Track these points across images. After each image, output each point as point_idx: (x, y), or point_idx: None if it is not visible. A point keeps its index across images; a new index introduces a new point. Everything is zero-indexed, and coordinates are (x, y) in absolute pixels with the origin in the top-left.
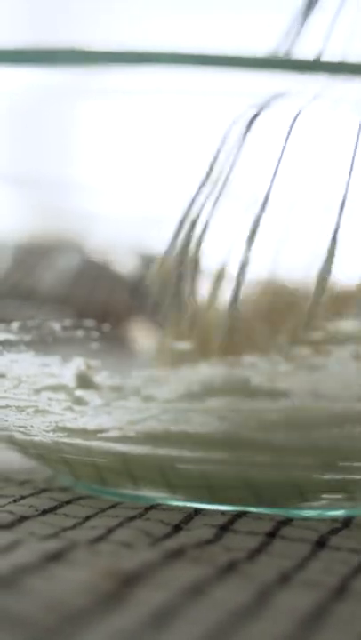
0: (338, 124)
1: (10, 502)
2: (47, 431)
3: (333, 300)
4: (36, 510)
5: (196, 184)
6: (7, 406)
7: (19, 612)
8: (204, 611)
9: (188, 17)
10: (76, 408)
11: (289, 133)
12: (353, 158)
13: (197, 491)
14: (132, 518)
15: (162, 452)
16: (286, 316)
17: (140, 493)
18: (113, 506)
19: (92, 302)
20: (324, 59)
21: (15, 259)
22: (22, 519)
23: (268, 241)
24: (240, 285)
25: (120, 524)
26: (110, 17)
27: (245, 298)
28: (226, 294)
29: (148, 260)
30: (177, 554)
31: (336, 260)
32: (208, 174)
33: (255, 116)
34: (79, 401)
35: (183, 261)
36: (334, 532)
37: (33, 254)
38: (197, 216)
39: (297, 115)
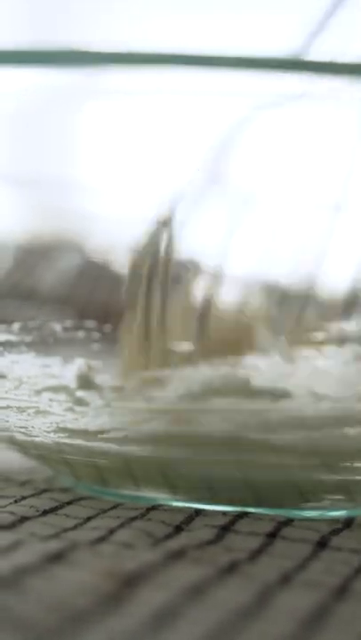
0: (340, 124)
1: (10, 503)
2: (48, 432)
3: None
4: (37, 511)
5: (196, 184)
6: (8, 407)
7: (19, 612)
8: (205, 611)
9: (188, 17)
10: (77, 409)
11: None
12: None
13: (198, 491)
14: (133, 519)
15: (163, 452)
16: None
17: (141, 494)
18: (114, 506)
19: (92, 303)
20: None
21: (16, 259)
22: (23, 520)
23: (262, 241)
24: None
25: (121, 525)
26: (110, 17)
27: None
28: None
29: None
30: (178, 554)
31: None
32: (206, 172)
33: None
34: (80, 402)
35: (156, 259)
36: (335, 532)
37: (33, 255)
38: (187, 214)
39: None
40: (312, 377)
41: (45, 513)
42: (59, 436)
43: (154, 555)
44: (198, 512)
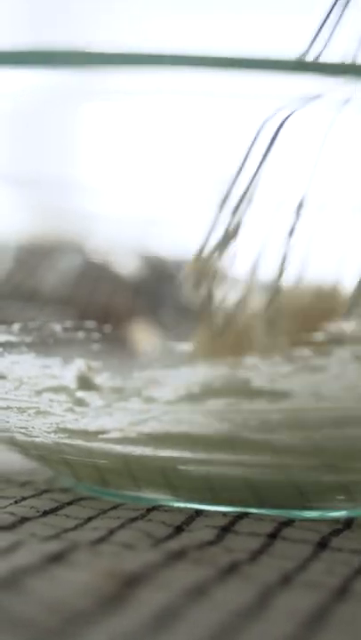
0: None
1: (11, 503)
2: (48, 432)
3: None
4: (37, 511)
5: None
6: (8, 407)
7: (20, 613)
8: (205, 612)
9: (188, 17)
10: (77, 409)
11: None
12: None
13: (199, 492)
14: (133, 519)
15: (163, 453)
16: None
17: (141, 495)
18: (114, 507)
19: (93, 303)
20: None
21: (16, 260)
22: (23, 520)
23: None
24: (277, 287)
25: (121, 526)
26: (110, 17)
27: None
28: (259, 296)
29: (149, 261)
30: (178, 555)
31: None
32: (237, 178)
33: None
34: (80, 402)
35: (214, 263)
36: (336, 533)
37: (34, 255)
38: (231, 217)
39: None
40: (312, 377)
41: (46, 513)
42: (59, 437)
43: (154, 555)
44: (199, 512)
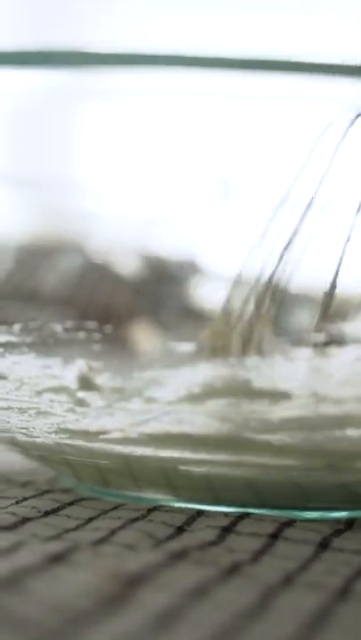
0: None
1: (12, 504)
2: (49, 433)
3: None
4: (39, 512)
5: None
6: (9, 408)
7: (21, 613)
8: (207, 612)
9: (188, 17)
10: (78, 410)
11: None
12: None
13: (200, 492)
14: (134, 520)
15: (164, 453)
16: None
17: (142, 495)
18: (115, 507)
19: (93, 304)
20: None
21: (17, 260)
22: (24, 521)
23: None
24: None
25: (123, 526)
26: (110, 17)
27: None
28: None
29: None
30: (180, 555)
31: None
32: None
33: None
34: (81, 402)
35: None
36: (337, 533)
37: (34, 256)
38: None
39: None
40: (313, 378)
41: (47, 514)
42: (60, 437)
43: (155, 556)
44: (200, 513)
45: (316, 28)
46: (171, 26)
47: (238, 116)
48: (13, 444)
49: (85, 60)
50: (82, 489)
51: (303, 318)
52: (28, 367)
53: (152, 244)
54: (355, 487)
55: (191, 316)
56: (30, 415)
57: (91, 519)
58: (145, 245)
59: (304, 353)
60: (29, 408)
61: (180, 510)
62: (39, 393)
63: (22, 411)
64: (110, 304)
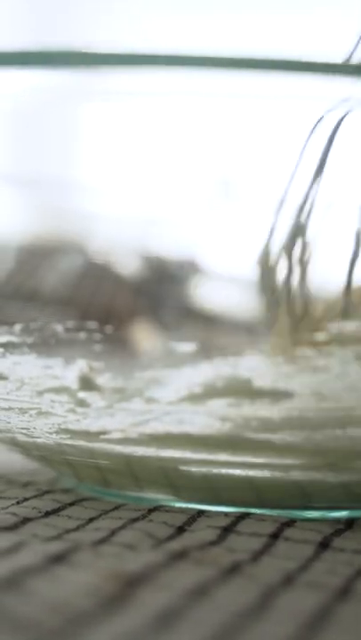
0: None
1: (13, 504)
2: (50, 433)
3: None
4: (39, 512)
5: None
6: (10, 408)
7: (22, 613)
8: (207, 612)
9: (188, 17)
10: (79, 410)
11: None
12: None
13: (200, 492)
14: (135, 520)
15: (165, 453)
16: None
17: (143, 495)
18: (116, 507)
19: (94, 304)
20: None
21: (18, 260)
22: (25, 521)
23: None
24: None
25: (123, 526)
26: (110, 17)
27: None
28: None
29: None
30: (180, 555)
31: None
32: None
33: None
34: (82, 403)
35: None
36: (338, 533)
37: (35, 256)
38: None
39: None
40: (314, 377)
41: (48, 514)
42: (60, 437)
43: (156, 556)
44: (200, 513)
45: (316, 27)
46: (171, 26)
47: (238, 115)
48: (14, 444)
49: (86, 60)
50: (82, 489)
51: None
52: (29, 367)
53: (152, 244)
54: (355, 487)
55: (192, 316)
56: (31, 415)
57: (91, 519)
58: (145, 245)
59: (305, 352)
60: (30, 408)
61: (181, 510)
62: (40, 393)
63: (23, 411)
64: (111, 304)
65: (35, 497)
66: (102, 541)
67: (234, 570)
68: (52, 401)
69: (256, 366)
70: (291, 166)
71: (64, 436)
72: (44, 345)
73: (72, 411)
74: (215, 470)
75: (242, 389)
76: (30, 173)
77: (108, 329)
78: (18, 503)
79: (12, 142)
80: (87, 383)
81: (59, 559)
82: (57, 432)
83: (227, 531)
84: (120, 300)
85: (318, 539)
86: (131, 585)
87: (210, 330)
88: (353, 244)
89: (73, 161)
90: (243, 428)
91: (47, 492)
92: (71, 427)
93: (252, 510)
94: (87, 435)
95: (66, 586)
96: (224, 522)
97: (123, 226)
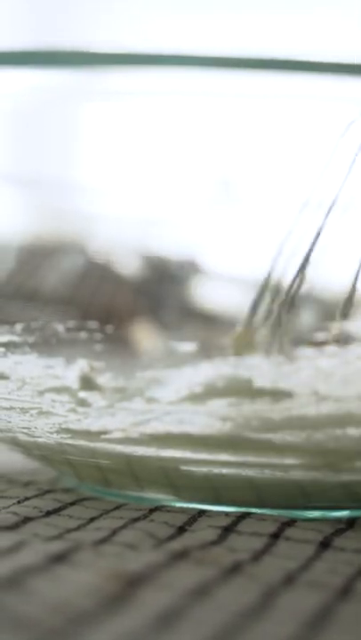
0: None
1: (14, 503)
2: (51, 432)
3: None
4: (40, 511)
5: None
6: (11, 408)
7: (23, 613)
8: (208, 612)
9: (188, 17)
10: (80, 409)
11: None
12: None
13: (201, 492)
14: (136, 520)
15: (165, 453)
16: None
17: (143, 495)
18: (117, 507)
19: (95, 304)
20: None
21: (18, 260)
22: (26, 520)
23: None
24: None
25: (124, 526)
26: (110, 17)
27: None
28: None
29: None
30: (181, 555)
31: None
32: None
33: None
34: (83, 402)
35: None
36: (338, 532)
37: (36, 256)
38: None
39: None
40: (314, 377)
41: (49, 514)
42: (61, 437)
43: (157, 555)
44: (201, 513)
45: (316, 27)
46: (171, 26)
47: (239, 115)
48: (15, 443)
49: (86, 59)
50: (83, 489)
51: (305, 318)
52: (30, 367)
53: (153, 244)
54: (356, 486)
55: (192, 316)
56: (32, 415)
57: (92, 519)
58: (146, 245)
59: (305, 352)
60: (31, 408)
61: (182, 510)
62: (41, 393)
63: (24, 411)
64: (112, 304)
65: (36, 496)
66: (103, 541)
67: (235, 569)
68: (53, 400)
69: (256, 366)
70: (292, 167)
71: (65, 436)
72: (45, 345)
73: (73, 410)
74: (216, 470)
75: (242, 389)
76: (30, 173)
77: (109, 329)
78: (19, 502)
79: (12, 142)
80: (88, 383)
81: (60, 559)
82: (58, 432)
83: (227, 530)
84: (121, 299)
85: (319, 538)
86: (132, 585)
87: (210, 330)
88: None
89: (73, 161)
90: (243, 428)
91: (48, 491)
92: (72, 426)
93: (253, 510)
94: (88, 434)
95: (67, 585)
96: (225, 521)
97: (123, 226)
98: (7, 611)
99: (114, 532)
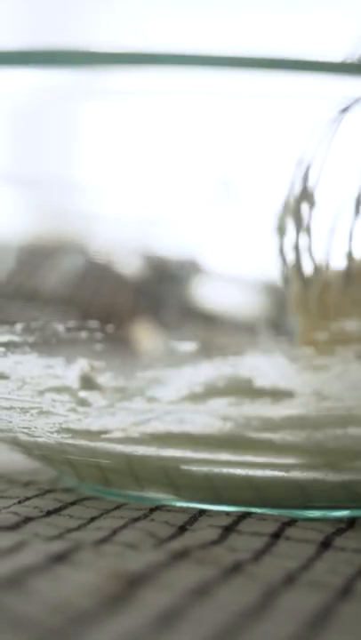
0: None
1: (14, 503)
2: (51, 432)
3: None
4: (41, 511)
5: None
6: (11, 407)
7: (23, 612)
8: (209, 612)
9: (188, 17)
10: (80, 409)
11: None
12: None
13: (202, 491)
14: (136, 519)
15: (166, 453)
16: None
17: (144, 494)
18: (117, 507)
19: (95, 303)
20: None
21: (18, 260)
22: (27, 520)
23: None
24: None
25: (125, 526)
26: (110, 17)
27: None
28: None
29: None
30: (182, 555)
31: None
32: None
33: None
34: (83, 402)
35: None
36: (339, 532)
37: (36, 255)
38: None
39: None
40: (315, 377)
41: (49, 513)
42: (62, 437)
43: (157, 555)
44: (202, 512)
45: (316, 27)
46: (171, 26)
47: (239, 115)
48: (15, 443)
49: (86, 59)
50: (84, 488)
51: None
52: (31, 367)
53: (153, 244)
54: (356, 486)
55: (193, 316)
56: (32, 415)
57: (93, 519)
58: (146, 245)
59: (306, 351)
60: (31, 408)
61: (182, 510)
62: (41, 393)
63: (24, 410)
64: (112, 304)
65: (36, 496)
66: (104, 541)
67: (235, 569)
68: (54, 400)
69: (257, 366)
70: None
71: (65, 436)
72: (46, 344)
73: (73, 410)
74: (216, 470)
75: (243, 389)
76: (30, 173)
77: (109, 328)
78: (19, 502)
79: (12, 142)
80: (88, 382)
81: (60, 558)
82: (58, 431)
83: (228, 530)
84: (121, 299)
85: (320, 538)
86: (132, 584)
87: (210, 329)
88: (353, 209)
89: (73, 161)
90: (244, 428)
91: (48, 491)
92: (72, 426)
93: (254, 510)
94: (88, 434)
95: (67, 585)
96: (225, 521)
97: (123, 226)
98: (7, 611)
99: (114, 532)
